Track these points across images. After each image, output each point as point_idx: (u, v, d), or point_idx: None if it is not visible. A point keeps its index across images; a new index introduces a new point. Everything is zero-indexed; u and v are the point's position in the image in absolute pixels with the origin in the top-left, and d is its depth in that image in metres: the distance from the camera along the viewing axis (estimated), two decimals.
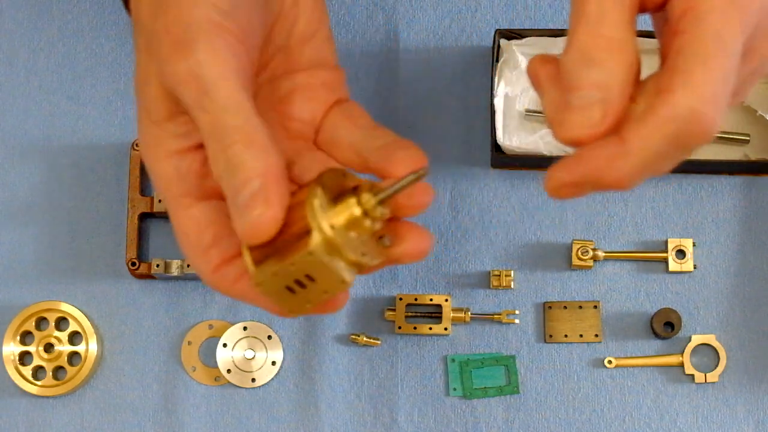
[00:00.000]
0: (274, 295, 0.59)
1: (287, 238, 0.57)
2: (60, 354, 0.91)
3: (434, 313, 0.91)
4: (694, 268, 0.92)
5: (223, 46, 0.59)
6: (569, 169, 0.56)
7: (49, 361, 0.91)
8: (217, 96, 0.58)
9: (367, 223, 0.57)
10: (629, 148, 0.54)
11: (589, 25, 0.56)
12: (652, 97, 0.54)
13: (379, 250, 0.59)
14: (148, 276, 0.91)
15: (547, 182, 0.57)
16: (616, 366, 0.91)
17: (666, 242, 0.92)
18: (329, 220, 0.56)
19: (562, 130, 0.56)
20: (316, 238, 0.56)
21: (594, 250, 0.91)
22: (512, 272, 0.92)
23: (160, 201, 0.90)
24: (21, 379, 0.90)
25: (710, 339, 0.91)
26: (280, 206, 0.57)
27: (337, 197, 0.58)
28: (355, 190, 0.58)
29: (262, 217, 0.57)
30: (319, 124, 0.67)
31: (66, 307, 0.91)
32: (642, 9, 0.58)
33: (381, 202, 0.57)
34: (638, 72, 0.57)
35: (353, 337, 0.91)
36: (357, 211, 0.57)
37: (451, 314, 0.91)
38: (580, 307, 0.92)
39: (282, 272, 0.57)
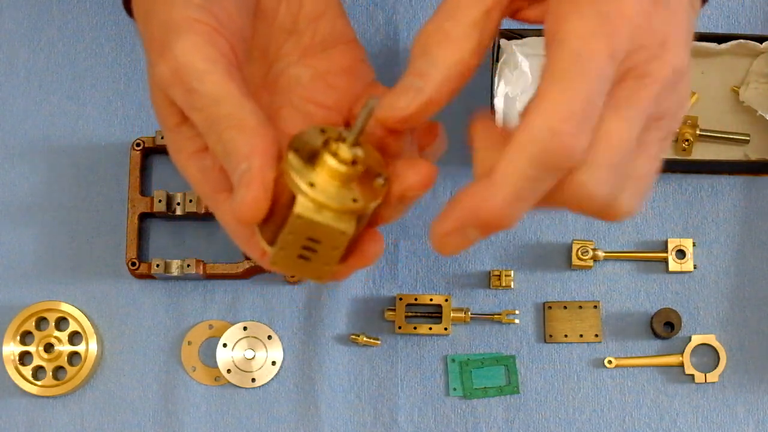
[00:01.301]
0: (293, 268, 0.60)
1: (280, 209, 0.58)
2: (60, 354, 0.91)
3: (434, 313, 0.91)
4: (694, 268, 0.92)
5: (201, 40, 0.59)
6: (447, 216, 0.56)
7: (49, 361, 0.91)
8: (202, 90, 0.59)
9: (346, 169, 0.57)
10: (496, 177, 0.54)
11: (438, 17, 0.57)
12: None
13: (374, 191, 0.59)
14: (148, 276, 0.91)
15: (431, 239, 0.57)
16: (616, 366, 0.91)
17: (666, 242, 0.92)
18: (308, 180, 0.57)
19: (377, 111, 0.58)
20: (299, 201, 0.56)
21: (594, 250, 0.91)
22: (512, 272, 0.92)
23: (160, 201, 0.90)
24: (21, 379, 0.90)
25: (710, 339, 0.91)
26: (262, 186, 0.57)
27: (311, 156, 0.58)
28: (326, 144, 0.58)
29: (245, 198, 0.57)
30: (348, 115, 0.67)
31: (66, 307, 0.91)
32: (513, 15, 0.59)
33: (354, 146, 0.57)
34: (471, 69, 0.57)
35: (353, 337, 0.91)
36: (332, 161, 0.57)
37: (451, 314, 0.91)
38: (580, 307, 0.92)
39: (286, 245, 0.58)
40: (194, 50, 0.59)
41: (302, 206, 0.57)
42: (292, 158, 0.57)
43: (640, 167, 0.57)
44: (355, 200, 0.57)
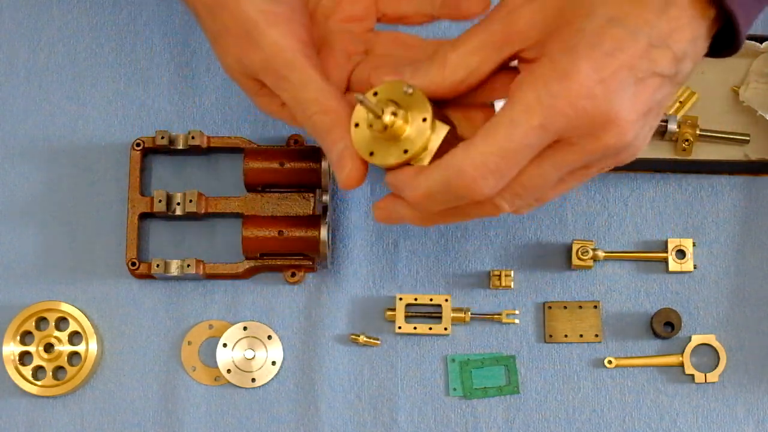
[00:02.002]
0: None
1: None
2: (60, 354, 0.91)
3: (434, 313, 0.91)
4: (694, 268, 0.92)
5: (282, 32, 0.70)
6: (388, 180, 0.69)
7: (49, 361, 0.91)
8: (290, 77, 0.70)
9: (386, 133, 0.67)
10: (419, 178, 0.66)
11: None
12: None
13: (419, 129, 0.67)
14: (148, 276, 0.91)
15: (372, 207, 0.71)
16: (616, 366, 0.91)
17: (666, 242, 0.92)
18: (368, 149, 0.68)
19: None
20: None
21: (594, 250, 0.91)
22: (512, 272, 0.92)
23: (160, 201, 0.90)
24: (21, 379, 0.90)
25: (710, 339, 0.91)
26: (357, 161, 0.68)
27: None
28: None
29: (349, 174, 0.69)
30: (377, 9, 0.77)
31: (66, 307, 0.91)
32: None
33: (379, 117, 0.66)
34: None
35: (353, 337, 0.91)
36: (377, 134, 0.68)
37: (451, 314, 0.91)
38: (580, 307, 0.92)
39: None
40: (280, 42, 0.69)
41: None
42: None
43: (552, 195, 0.69)
44: (405, 151, 0.67)
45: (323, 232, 0.88)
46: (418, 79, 0.67)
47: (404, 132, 0.66)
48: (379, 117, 0.66)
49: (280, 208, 0.91)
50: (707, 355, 0.92)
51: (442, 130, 0.67)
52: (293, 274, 0.92)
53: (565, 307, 0.92)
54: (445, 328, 0.91)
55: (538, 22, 0.65)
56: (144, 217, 0.92)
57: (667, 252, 0.92)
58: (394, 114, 0.66)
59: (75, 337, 0.91)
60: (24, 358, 0.91)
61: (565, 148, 0.65)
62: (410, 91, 0.66)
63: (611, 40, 0.62)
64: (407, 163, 0.67)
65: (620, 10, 0.63)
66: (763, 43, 0.92)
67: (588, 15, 0.63)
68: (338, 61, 0.74)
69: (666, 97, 0.66)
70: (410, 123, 0.66)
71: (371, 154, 0.68)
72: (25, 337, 0.92)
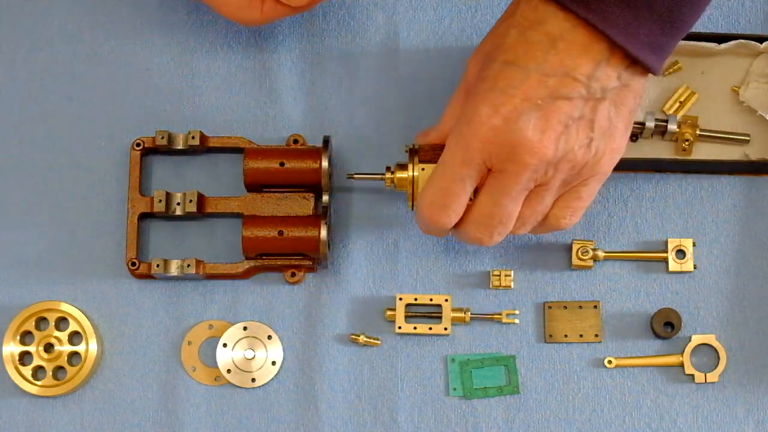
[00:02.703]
0: None
1: None
2: (60, 354, 0.91)
3: (434, 313, 0.91)
4: (694, 268, 0.92)
5: None
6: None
7: (49, 361, 0.91)
8: None
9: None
10: (416, 217, 0.83)
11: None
12: None
13: None
14: (148, 276, 0.91)
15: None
16: (616, 366, 0.91)
17: (666, 242, 0.92)
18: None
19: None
20: None
21: (594, 250, 0.91)
22: (512, 272, 0.92)
23: (159, 201, 0.90)
24: (21, 379, 0.90)
25: (710, 339, 0.91)
26: None
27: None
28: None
29: None
30: None
31: (66, 307, 0.91)
32: None
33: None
34: None
35: (353, 337, 0.91)
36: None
37: (451, 314, 0.91)
38: (580, 307, 0.92)
39: None
40: None
41: None
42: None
43: (525, 217, 0.81)
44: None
45: (323, 232, 0.88)
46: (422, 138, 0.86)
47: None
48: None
49: (280, 208, 0.91)
50: (707, 355, 0.92)
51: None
52: (293, 274, 0.92)
53: (565, 307, 0.92)
54: (445, 328, 0.91)
55: (477, 72, 0.79)
56: (144, 217, 0.92)
57: (667, 252, 0.92)
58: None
59: (75, 337, 0.91)
60: (24, 358, 0.91)
61: (499, 175, 0.77)
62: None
63: (504, 79, 0.75)
64: None
65: (513, 54, 0.75)
66: (763, 43, 0.92)
67: (491, 62, 0.77)
68: None
69: (591, 112, 0.76)
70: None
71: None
72: (25, 337, 0.92)
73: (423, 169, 0.84)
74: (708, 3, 0.77)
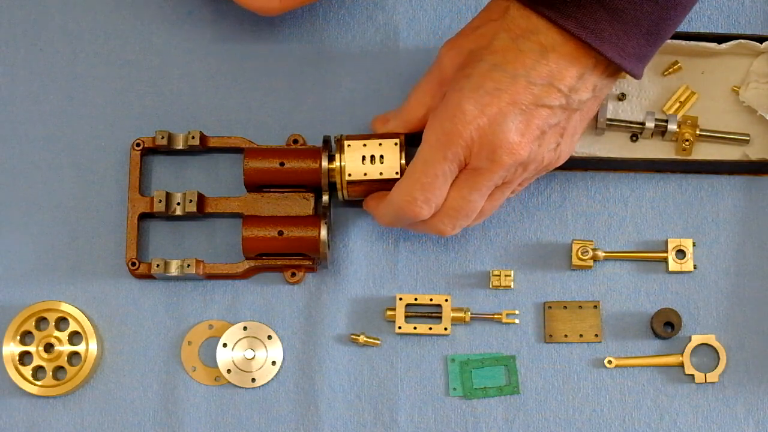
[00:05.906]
0: None
1: None
2: (60, 354, 0.91)
3: (434, 313, 0.92)
4: (694, 268, 0.92)
5: None
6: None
7: (49, 361, 0.91)
8: None
9: None
10: (381, 208, 0.86)
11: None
12: None
13: None
14: (148, 276, 0.91)
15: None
16: (616, 366, 0.91)
17: (666, 242, 0.92)
18: None
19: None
20: None
21: (594, 250, 0.91)
22: (512, 272, 0.92)
23: (159, 201, 0.90)
24: (21, 379, 0.90)
25: (710, 339, 0.91)
26: None
27: None
28: None
29: None
30: None
31: (66, 307, 0.91)
32: None
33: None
34: None
35: (353, 337, 0.91)
36: None
37: (451, 314, 0.91)
38: (580, 307, 0.92)
39: None
40: None
41: None
42: None
43: (488, 211, 0.85)
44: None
45: (323, 232, 0.88)
46: (388, 125, 0.88)
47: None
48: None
49: (280, 208, 0.91)
50: (707, 355, 0.92)
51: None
52: (293, 274, 0.92)
53: (565, 307, 0.92)
54: (445, 328, 0.91)
55: (455, 66, 0.82)
56: (144, 217, 0.92)
57: (667, 252, 0.92)
58: None
59: (75, 337, 0.92)
60: (24, 358, 0.91)
61: (474, 172, 0.80)
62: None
63: (492, 81, 0.78)
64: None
65: (503, 58, 0.78)
66: (763, 43, 0.92)
67: (478, 62, 0.79)
68: None
69: (566, 120, 0.80)
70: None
71: None
72: (25, 337, 0.92)
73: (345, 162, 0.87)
74: (690, 10, 0.79)
